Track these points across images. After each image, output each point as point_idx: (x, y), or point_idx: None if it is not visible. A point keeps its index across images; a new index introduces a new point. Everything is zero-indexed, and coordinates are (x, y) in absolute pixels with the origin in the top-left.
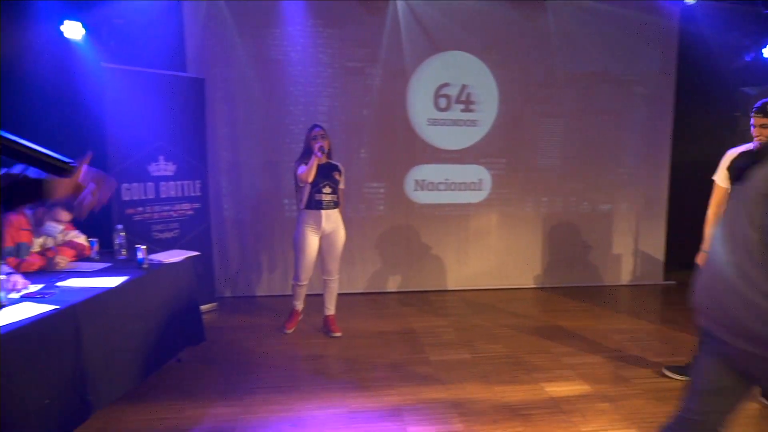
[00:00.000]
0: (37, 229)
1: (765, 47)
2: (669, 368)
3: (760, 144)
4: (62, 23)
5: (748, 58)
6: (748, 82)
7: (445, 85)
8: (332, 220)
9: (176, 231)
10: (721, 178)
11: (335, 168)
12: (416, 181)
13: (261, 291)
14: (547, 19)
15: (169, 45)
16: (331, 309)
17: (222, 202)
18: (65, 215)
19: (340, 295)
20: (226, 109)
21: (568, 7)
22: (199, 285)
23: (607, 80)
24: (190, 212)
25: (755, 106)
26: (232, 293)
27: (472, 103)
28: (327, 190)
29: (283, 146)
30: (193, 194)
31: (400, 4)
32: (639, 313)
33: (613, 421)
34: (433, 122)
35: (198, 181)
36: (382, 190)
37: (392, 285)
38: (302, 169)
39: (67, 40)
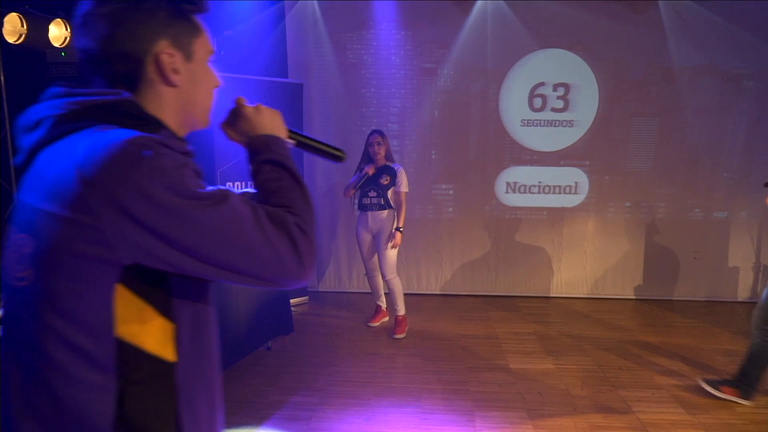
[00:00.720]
0: None
1: None
2: (707, 381)
3: None
4: None
5: None
6: None
7: (541, 84)
8: (378, 221)
9: None
10: None
11: (386, 171)
12: (507, 183)
13: (350, 287)
14: (657, 11)
15: (274, 52)
16: (399, 309)
17: (315, 201)
18: None
19: (424, 295)
20: (320, 112)
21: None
22: None
23: (727, 78)
24: None
25: None
26: (323, 288)
27: (569, 102)
28: (372, 193)
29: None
30: None
31: (491, 3)
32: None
33: None
34: (527, 123)
35: None
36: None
37: (479, 288)
38: (351, 180)
39: None
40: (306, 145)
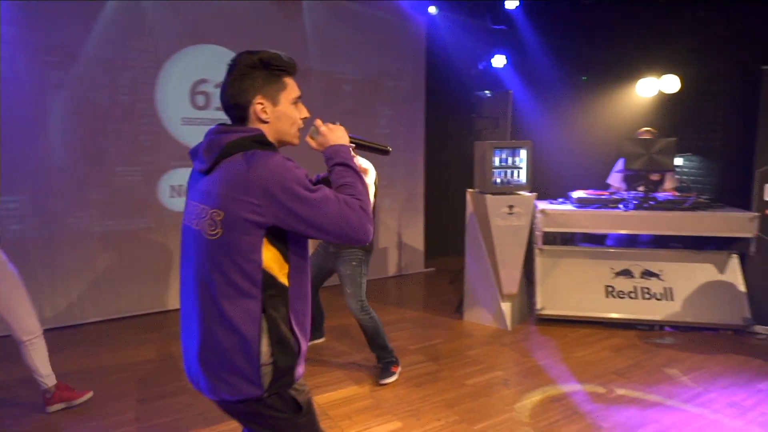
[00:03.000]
0: None
1: (493, 57)
2: (381, 377)
3: None
4: None
5: (481, 66)
6: (482, 87)
7: (203, 81)
8: None
9: None
10: None
11: None
12: (172, 187)
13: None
14: (303, 18)
15: None
16: (48, 377)
17: None
18: None
19: (79, 326)
20: None
21: (323, 8)
22: None
23: (364, 82)
24: None
25: None
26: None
27: None
28: None
29: None
30: None
31: None
32: (404, 303)
33: (376, 416)
34: (190, 122)
35: None
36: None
37: (150, 305)
38: None
39: None
40: (361, 146)
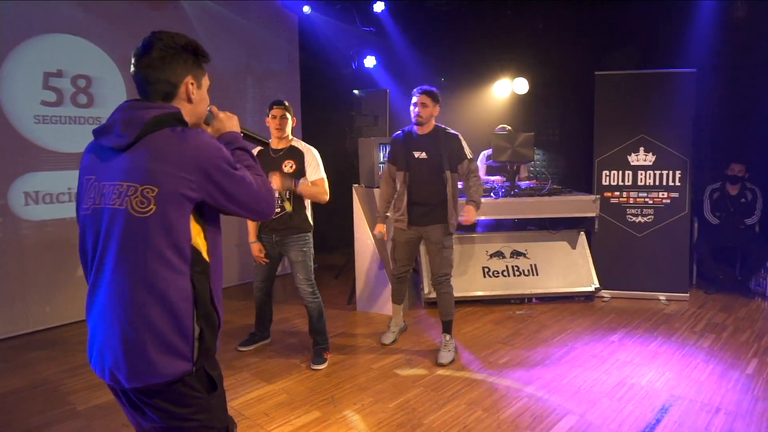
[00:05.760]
0: None
1: (365, 57)
2: (314, 362)
3: None
4: None
5: (354, 66)
6: (356, 86)
7: (55, 74)
8: None
9: None
10: None
11: None
12: (27, 194)
13: None
14: (185, 15)
15: None
16: None
17: None
18: None
19: None
20: None
21: (197, 8)
22: None
23: (240, 80)
24: None
25: None
26: None
27: (94, 97)
28: None
29: None
30: None
31: None
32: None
33: (293, 410)
34: (44, 120)
35: None
36: None
37: (6, 329)
38: None
39: None
40: (246, 135)
